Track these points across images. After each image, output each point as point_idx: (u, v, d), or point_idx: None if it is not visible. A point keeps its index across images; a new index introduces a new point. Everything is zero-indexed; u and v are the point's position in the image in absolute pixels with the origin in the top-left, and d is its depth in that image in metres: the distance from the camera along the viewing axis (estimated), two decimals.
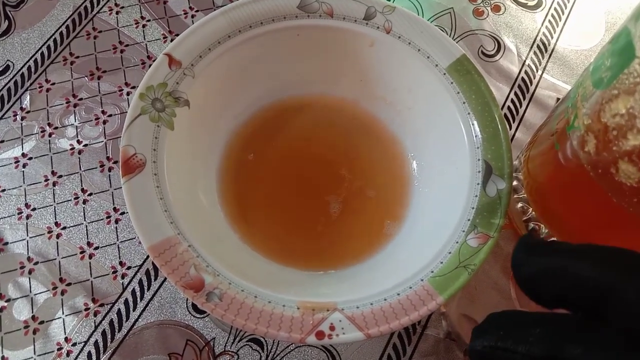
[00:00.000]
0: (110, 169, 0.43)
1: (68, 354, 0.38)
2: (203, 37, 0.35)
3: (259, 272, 0.34)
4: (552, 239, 0.37)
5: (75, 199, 0.42)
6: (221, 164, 0.38)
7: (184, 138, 0.34)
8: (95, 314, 0.39)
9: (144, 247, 0.29)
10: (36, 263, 0.40)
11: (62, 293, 0.39)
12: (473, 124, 0.34)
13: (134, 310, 0.39)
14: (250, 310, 0.29)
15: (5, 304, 0.39)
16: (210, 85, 0.36)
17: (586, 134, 0.27)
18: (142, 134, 0.32)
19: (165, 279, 0.39)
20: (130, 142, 0.32)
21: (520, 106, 0.46)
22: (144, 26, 0.49)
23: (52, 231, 0.41)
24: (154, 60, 0.45)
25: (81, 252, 0.41)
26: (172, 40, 0.47)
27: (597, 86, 0.26)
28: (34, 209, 0.42)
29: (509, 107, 0.46)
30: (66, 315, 0.39)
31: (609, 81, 0.25)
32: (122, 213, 0.42)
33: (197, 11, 0.50)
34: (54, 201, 0.42)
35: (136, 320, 0.39)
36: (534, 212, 0.38)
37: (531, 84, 0.46)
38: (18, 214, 0.42)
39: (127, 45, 0.48)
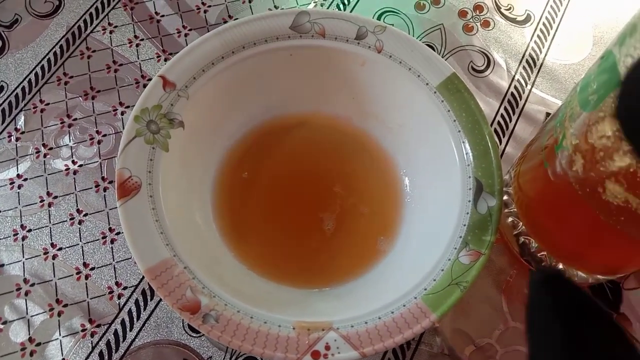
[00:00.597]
0: (105, 189, 0.43)
1: None
2: (197, 59, 0.36)
3: (255, 291, 0.34)
4: (542, 253, 0.38)
5: (70, 219, 0.42)
6: (215, 183, 0.38)
7: (178, 159, 0.35)
8: (92, 335, 0.39)
9: (140, 270, 0.30)
10: (32, 284, 0.40)
11: (59, 314, 0.39)
12: (464, 142, 0.34)
13: (130, 331, 0.39)
14: (246, 332, 0.29)
15: (2, 326, 0.39)
16: (204, 106, 0.36)
17: (574, 153, 0.28)
18: (138, 156, 0.33)
19: (162, 299, 0.39)
20: (125, 164, 0.32)
21: (510, 121, 0.46)
22: (137, 45, 0.49)
23: (48, 252, 0.41)
24: (148, 80, 0.46)
25: (77, 273, 0.41)
26: (165, 60, 0.47)
27: (584, 108, 0.27)
28: (29, 230, 0.42)
29: (498, 122, 0.46)
30: (63, 337, 0.39)
31: (595, 104, 0.25)
32: (118, 233, 0.42)
33: (190, 30, 0.50)
34: (50, 222, 0.42)
35: (133, 340, 0.39)
36: (524, 227, 0.38)
37: (520, 99, 0.47)
38: (14, 235, 0.42)
39: (120, 65, 0.48)
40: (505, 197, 0.39)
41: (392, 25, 0.39)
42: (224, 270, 0.34)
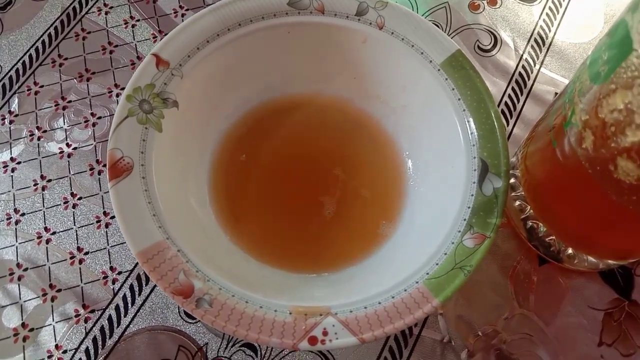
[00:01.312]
0: (99, 172, 0.43)
1: None
2: (191, 36, 0.34)
3: (251, 276, 0.33)
4: (550, 237, 0.37)
5: (64, 203, 0.42)
6: (212, 165, 0.37)
7: (173, 140, 0.34)
8: (86, 321, 0.38)
9: (132, 253, 0.29)
10: (26, 269, 0.40)
11: (52, 299, 0.39)
12: (468, 121, 0.33)
13: (125, 316, 0.38)
14: (241, 316, 0.28)
15: None
16: (199, 85, 0.35)
17: (583, 130, 0.26)
18: (130, 137, 0.32)
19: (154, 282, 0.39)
20: (117, 145, 0.31)
21: (518, 102, 0.45)
22: (133, 26, 0.48)
23: (41, 236, 0.41)
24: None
25: (71, 258, 0.40)
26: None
27: (594, 80, 0.26)
28: (23, 214, 0.41)
29: (506, 103, 0.45)
30: (56, 322, 0.38)
31: (606, 75, 0.24)
32: (112, 217, 0.41)
33: (187, 10, 0.49)
34: (44, 206, 0.42)
35: (127, 326, 0.38)
36: (531, 210, 0.37)
37: (529, 79, 0.46)
38: (7, 219, 0.41)
39: (116, 46, 0.47)
40: (512, 180, 0.38)
41: (396, 2, 0.38)
42: (219, 254, 0.33)
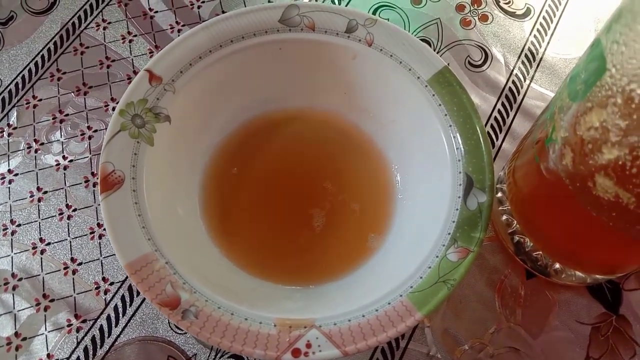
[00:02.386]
0: (94, 185, 0.43)
1: None
2: (184, 52, 0.35)
3: (239, 288, 0.33)
4: (538, 252, 0.37)
5: (60, 214, 0.42)
6: (204, 178, 0.38)
7: (164, 154, 0.34)
8: (77, 330, 0.38)
9: (121, 264, 0.29)
10: (20, 279, 0.40)
11: (46, 309, 0.39)
12: (455, 137, 0.33)
13: (116, 326, 0.38)
14: (226, 328, 0.28)
15: None
16: (191, 100, 0.36)
17: (563, 146, 0.27)
18: (122, 151, 0.32)
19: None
20: (109, 158, 0.32)
21: (508, 116, 0.45)
22: (130, 41, 0.49)
23: (36, 247, 0.41)
24: None
25: (65, 268, 0.40)
26: None
27: (573, 99, 0.26)
28: (19, 225, 0.42)
29: (495, 118, 0.45)
30: (49, 332, 0.38)
31: (583, 94, 0.25)
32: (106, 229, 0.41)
33: (183, 25, 0.50)
34: (39, 217, 0.42)
35: (118, 336, 0.38)
36: (518, 225, 0.37)
37: (519, 94, 0.46)
38: (3, 230, 0.42)
39: (113, 61, 0.48)
40: (499, 195, 0.39)
41: (388, 19, 0.38)
42: (207, 266, 0.34)
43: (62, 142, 0.45)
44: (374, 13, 0.50)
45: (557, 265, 0.37)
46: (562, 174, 0.28)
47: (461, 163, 0.33)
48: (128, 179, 0.32)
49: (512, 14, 0.50)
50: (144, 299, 0.39)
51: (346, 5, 0.48)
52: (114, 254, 0.40)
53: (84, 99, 0.46)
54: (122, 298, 0.39)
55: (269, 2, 0.51)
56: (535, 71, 0.47)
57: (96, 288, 0.40)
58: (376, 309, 0.29)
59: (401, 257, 0.34)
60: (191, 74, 0.35)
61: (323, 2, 0.50)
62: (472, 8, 0.50)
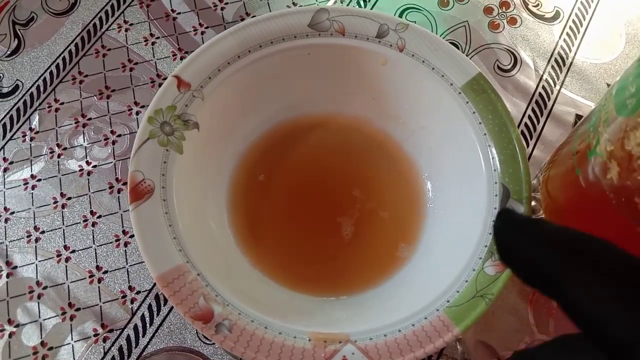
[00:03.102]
0: (119, 191, 0.43)
1: None
2: (212, 58, 0.34)
3: (270, 300, 0.33)
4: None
5: (84, 221, 0.42)
6: (231, 186, 0.37)
7: (193, 162, 0.34)
8: (104, 340, 0.38)
9: (152, 276, 0.29)
10: (45, 287, 0.40)
11: (71, 318, 0.39)
12: (490, 146, 0.33)
13: (143, 336, 0.38)
14: (260, 342, 0.28)
15: (15, 329, 0.39)
16: (219, 106, 0.35)
17: (609, 160, 0.26)
18: (151, 159, 0.32)
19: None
20: (138, 167, 0.31)
21: (538, 123, 0.44)
22: (153, 43, 0.49)
23: (61, 255, 0.41)
24: (163, 79, 0.45)
25: (90, 276, 0.40)
26: (181, 58, 0.47)
27: (620, 112, 0.25)
28: (42, 232, 0.42)
29: (525, 124, 0.44)
30: (75, 341, 0.38)
31: (634, 108, 0.24)
32: (132, 236, 0.41)
33: (206, 27, 0.49)
34: (63, 224, 0.42)
35: (145, 346, 0.38)
36: None
37: (549, 100, 0.45)
38: (27, 237, 0.41)
39: (136, 64, 0.48)
40: (532, 203, 0.38)
41: (415, 22, 0.37)
42: (238, 277, 0.33)
43: (85, 147, 0.44)
44: (400, 15, 0.49)
45: None
46: (606, 187, 0.27)
47: (497, 173, 0.32)
48: (158, 188, 0.31)
49: (541, 17, 0.49)
50: (171, 308, 0.39)
51: (372, 8, 0.47)
52: (140, 262, 0.40)
53: (107, 102, 0.46)
54: (149, 307, 0.39)
55: (293, 4, 0.50)
56: (566, 76, 0.46)
57: (122, 297, 0.39)
58: (412, 323, 0.29)
59: (434, 269, 0.33)
60: (219, 80, 0.35)
61: (349, 4, 0.49)
62: (500, 11, 0.49)
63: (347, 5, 0.50)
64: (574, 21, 0.49)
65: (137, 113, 0.45)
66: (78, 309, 0.39)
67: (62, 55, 0.48)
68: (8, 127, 0.45)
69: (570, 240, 0.21)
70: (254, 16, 0.49)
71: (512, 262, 0.23)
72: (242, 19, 0.49)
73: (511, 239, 0.22)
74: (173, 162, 0.32)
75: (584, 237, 0.21)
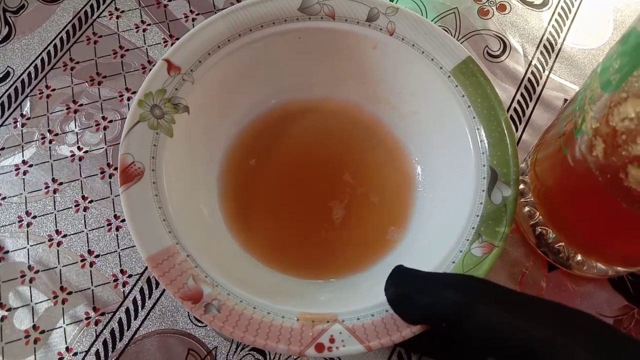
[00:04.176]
0: (110, 176, 0.43)
1: None
2: (202, 42, 0.35)
3: (259, 281, 0.33)
4: (560, 244, 0.36)
5: (75, 206, 0.42)
6: (222, 170, 0.38)
7: (183, 145, 0.34)
8: (96, 323, 0.38)
9: (142, 257, 0.29)
10: (37, 272, 0.40)
11: (63, 302, 0.39)
12: (478, 129, 0.33)
13: (135, 319, 0.38)
14: (248, 322, 0.28)
15: (6, 313, 0.39)
16: (210, 90, 0.35)
17: (594, 137, 0.26)
18: (141, 142, 0.32)
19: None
20: (128, 150, 0.31)
21: (527, 107, 0.45)
22: (144, 30, 0.49)
23: (52, 239, 0.41)
24: (154, 65, 0.45)
25: (82, 260, 0.40)
26: (172, 45, 0.46)
27: (605, 89, 0.26)
28: (34, 217, 0.42)
29: (515, 109, 0.45)
30: (67, 325, 0.38)
31: (617, 84, 0.24)
32: (123, 220, 0.41)
33: (197, 14, 0.49)
34: (55, 209, 0.42)
35: (137, 329, 0.38)
36: (541, 217, 0.37)
37: (538, 85, 0.46)
38: (19, 221, 0.41)
39: (127, 50, 0.48)
40: (521, 186, 0.38)
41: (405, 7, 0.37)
42: (228, 259, 0.33)
43: (77, 132, 0.44)
44: None
45: (579, 257, 0.37)
46: (592, 165, 0.27)
47: (485, 156, 0.32)
48: (148, 170, 0.31)
49: (530, 4, 0.49)
50: (163, 291, 0.39)
51: None
52: (132, 246, 0.40)
53: (98, 89, 0.46)
54: (141, 290, 0.39)
55: None
56: (554, 62, 0.47)
57: (114, 280, 0.39)
58: None
59: (423, 251, 0.33)
60: (210, 63, 0.35)
61: None
62: None
63: None
64: (562, 8, 0.49)
65: (129, 99, 0.46)
66: (70, 293, 0.39)
67: (54, 42, 0.48)
68: (0, 114, 0.45)
69: (464, 282, 0.26)
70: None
71: (406, 309, 0.28)
72: (233, 4, 0.49)
73: (406, 291, 0.27)
74: (163, 145, 0.32)
75: (469, 278, 0.27)
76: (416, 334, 0.28)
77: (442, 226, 0.33)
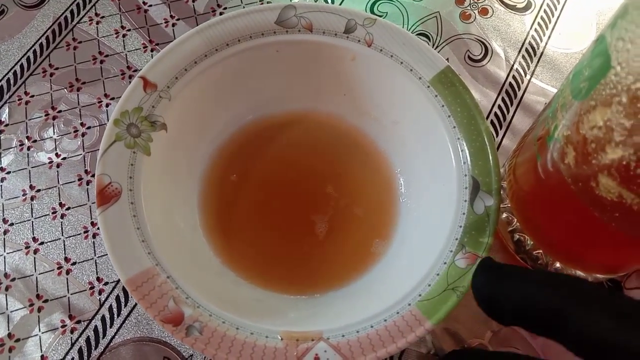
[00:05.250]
0: (88, 182, 0.43)
1: None
2: (179, 58, 0.34)
3: (242, 300, 0.33)
4: (538, 250, 0.37)
5: (53, 213, 0.42)
6: (202, 186, 0.37)
7: (161, 163, 0.34)
8: (72, 331, 0.38)
9: (121, 280, 0.29)
10: (13, 279, 0.40)
11: (39, 310, 0.39)
12: (459, 139, 0.33)
13: (110, 327, 0.38)
14: (232, 343, 0.28)
15: None
16: (187, 106, 0.35)
17: (566, 145, 0.26)
18: (118, 162, 0.32)
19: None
20: (105, 170, 0.31)
21: (508, 112, 0.45)
22: (124, 36, 0.48)
23: (29, 246, 0.41)
24: (134, 71, 0.45)
25: (58, 268, 0.40)
26: (152, 50, 0.46)
27: (575, 96, 0.26)
28: (11, 224, 0.41)
29: (495, 114, 0.45)
30: (43, 333, 0.38)
31: (586, 92, 0.24)
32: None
33: (177, 19, 0.49)
34: (32, 216, 0.42)
35: (113, 337, 0.38)
36: (518, 223, 0.37)
37: (519, 89, 0.46)
38: None
39: (107, 56, 0.47)
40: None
41: (387, 14, 0.37)
42: (209, 278, 0.33)
43: (55, 139, 0.44)
44: (372, 7, 0.49)
45: (558, 265, 0.37)
46: (564, 172, 0.27)
47: (466, 166, 0.32)
48: (125, 191, 0.31)
49: (513, 7, 0.49)
50: None
51: (341, 3, 0.47)
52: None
53: (77, 95, 0.46)
54: (117, 298, 0.39)
55: (268, 1, 0.50)
56: (536, 66, 0.47)
57: (90, 288, 0.39)
58: (385, 319, 0.29)
59: (408, 264, 0.33)
60: (187, 79, 0.34)
61: (316, 0, 0.49)
62: (472, 1, 0.49)
63: (317, 0, 0.50)
64: (545, 11, 0.49)
65: (107, 105, 0.45)
66: (46, 301, 0.39)
67: (33, 49, 0.48)
68: None
69: (564, 282, 0.24)
70: (225, 8, 0.48)
71: (499, 310, 0.25)
72: (214, 11, 0.49)
73: (497, 290, 0.25)
74: (141, 164, 0.32)
75: (574, 279, 0.24)
76: (402, 349, 0.28)
77: (426, 237, 0.33)
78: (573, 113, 0.26)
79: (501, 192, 0.37)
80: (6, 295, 0.39)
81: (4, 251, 0.41)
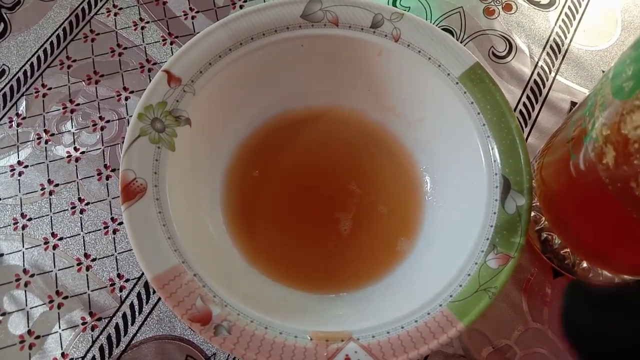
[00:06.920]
0: (107, 177, 0.42)
1: None
2: (203, 51, 0.34)
3: (269, 298, 0.33)
4: (565, 250, 0.36)
5: (72, 208, 0.41)
6: (225, 182, 0.37)
7: (186, 158, 0.33)
8: (92, 329, 0.38)
9: (147, 278, 0.28)
10: (32, 275, 0.39)
11: (59, 306, 0.38)
12: (489, 136, 0.32)
13: (132, 325, 0.38)
14: (261, 343, 0.28)
15: (1, 317, 0.38)
16: (212, 101, 0.35)
17: (604, 145, 0.26)
18: (142, 157, 0.31)
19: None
20: (129, 166, 0.31)
21: (533, 110, 0.44)
22: (142, 28, 0.48)
23: (48, 242, 0.40)
24: (153, 64, 0.45)
25: (78, 264, 0.39)
26: (171, 43, 0.46)
27: (617, 96, 0.25)
28: (30, 219, 0.41)
29: (520, 111, 0.44)
30: (63, 330, 0.38)
31: (630, 91, 0.24)
32: (120, 223, 0.41)
33: (197, 12, 0.48)
34: (51, 211, 0.41)
35: (134, 335, 0.37)
36: (546, 222, 0.37)
37: (544, 87, 0.45)
38: (14, 224, 0.41)
39: (125, 48, 0.47)
40: None
41: (409, 8, 0.37)
42: (235, 276, 0.33)
43: (74, 132, 0.44)
44: (394, 1, 0.48)
45: (585, 264, 0.36)
46: (601, 173, 0.27)
47: (497, 164, 0.32)
48: (150, 186, 0.31)
49: (537, 4, 0.48)
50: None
51: None
52: (129, 250, 0.40)
53: (95, 88, 0.45)
54: (138, 295, 0.39)
55: None
56: (561, 63, 0.46)
57: (111, 285, 0.39)
58: (415, 319, 0.28)
59: (435, 263, 0.33)
60: (211, 73, 0.34)
61: None
62: None
63: None
64: (569, 8, 0.48)
65: (126, 98, 0.45)
66: (66, 297, 0.38)
67: (50, 40, 0.47)
68: None
69: None
70: (245, 1, 0.48)
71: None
72: (234, 4, 0.49)
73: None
74: (165, 160, 0.32)
75: None
76: (434, 350, 0.28)
77: (454, 237, 0.33)
78: (614, 112, 0.25)
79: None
80: (25, 291, 0.39)
81: (23, 246, 0.40)
